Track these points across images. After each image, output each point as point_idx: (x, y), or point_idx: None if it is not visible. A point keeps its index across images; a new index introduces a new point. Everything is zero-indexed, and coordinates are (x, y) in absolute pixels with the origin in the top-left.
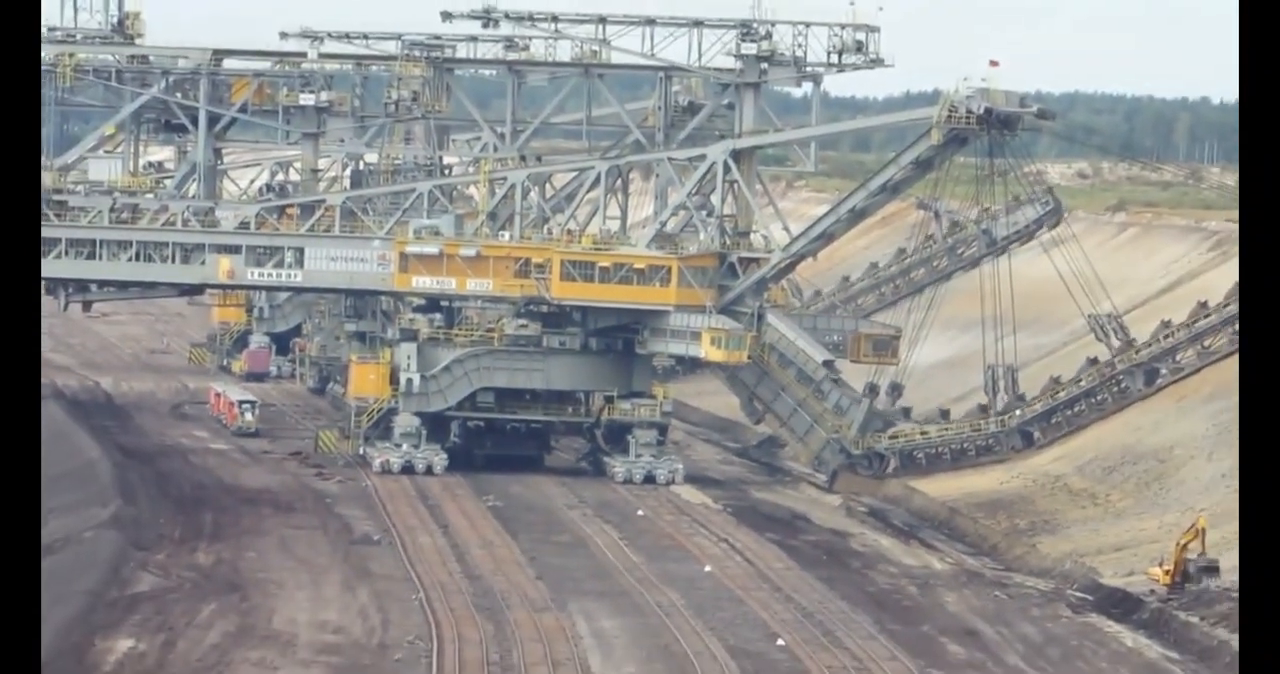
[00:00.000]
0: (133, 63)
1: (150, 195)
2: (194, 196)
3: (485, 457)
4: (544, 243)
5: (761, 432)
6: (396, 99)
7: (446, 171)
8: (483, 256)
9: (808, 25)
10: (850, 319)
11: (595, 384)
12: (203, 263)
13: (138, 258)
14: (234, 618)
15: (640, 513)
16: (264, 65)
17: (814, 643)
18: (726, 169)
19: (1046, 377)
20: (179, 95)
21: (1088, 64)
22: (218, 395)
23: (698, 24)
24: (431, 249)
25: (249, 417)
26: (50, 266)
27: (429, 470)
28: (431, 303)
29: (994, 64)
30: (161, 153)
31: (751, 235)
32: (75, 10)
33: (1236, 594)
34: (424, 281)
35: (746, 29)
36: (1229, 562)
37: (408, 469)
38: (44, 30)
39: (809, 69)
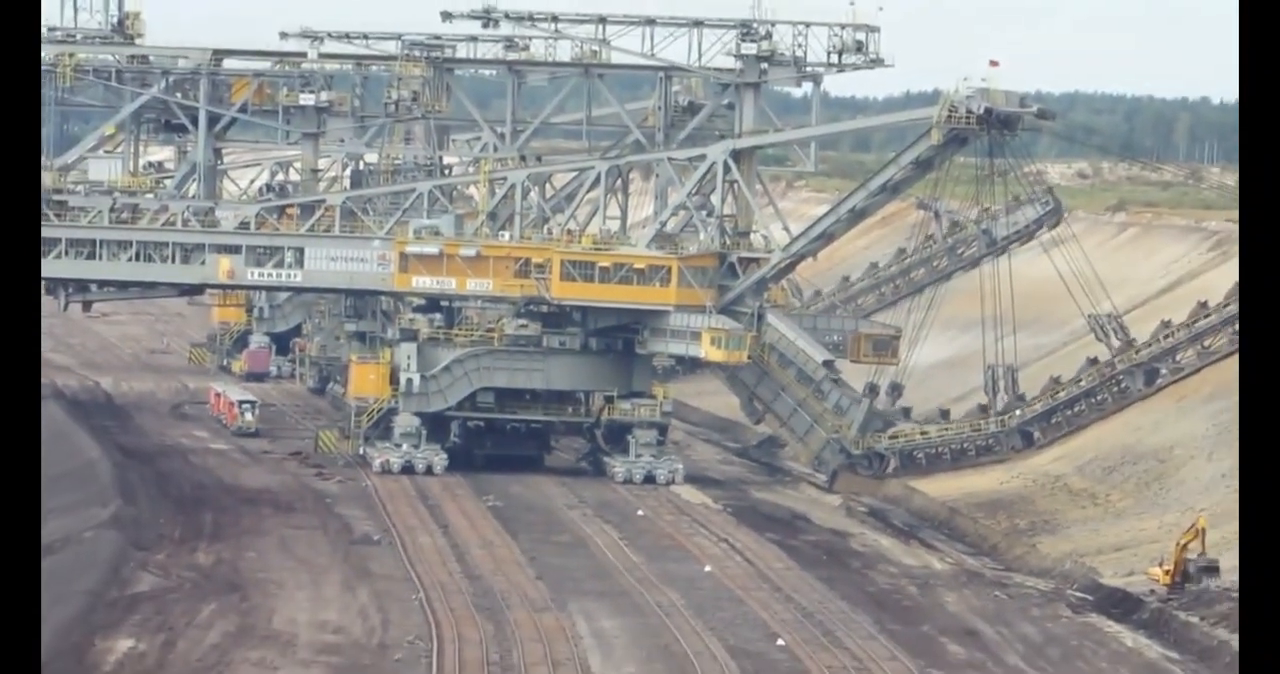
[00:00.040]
0: (133, 63)
1: (150, 195)
2: (194, 196)
3: (485, 457)
4: (544, 243)
5: (761, 432)
6: (396, 99)
7: (446, 171)
8: (483, 256)
9: (808, 25)
10: (850, 319)
11: (595, 384)
12: (203, 263)
13: (138, 258)
14: (234, 618)
15: (640, 513)
16: (264, 65)
17: (814, 643)
18: (726, 169)
19: (1046, 377)
20: (179, 95)
21: (1088, 64)
22: (218, 395)
23: (698, 24)
24: (431, 249)
25: (249, 417)
26: (50, 266)
27: (429, 470)
28: (431, 303)
29: (994, 64)
30: (161, 153)
31: (751, 235)
32: (75, 10)
33: (1236, 594)
34: (424, 281)
35: (746, 29)
36: (1229, 562)
37: (408, 469)
38: (44, 30)
39: (809, 69)
